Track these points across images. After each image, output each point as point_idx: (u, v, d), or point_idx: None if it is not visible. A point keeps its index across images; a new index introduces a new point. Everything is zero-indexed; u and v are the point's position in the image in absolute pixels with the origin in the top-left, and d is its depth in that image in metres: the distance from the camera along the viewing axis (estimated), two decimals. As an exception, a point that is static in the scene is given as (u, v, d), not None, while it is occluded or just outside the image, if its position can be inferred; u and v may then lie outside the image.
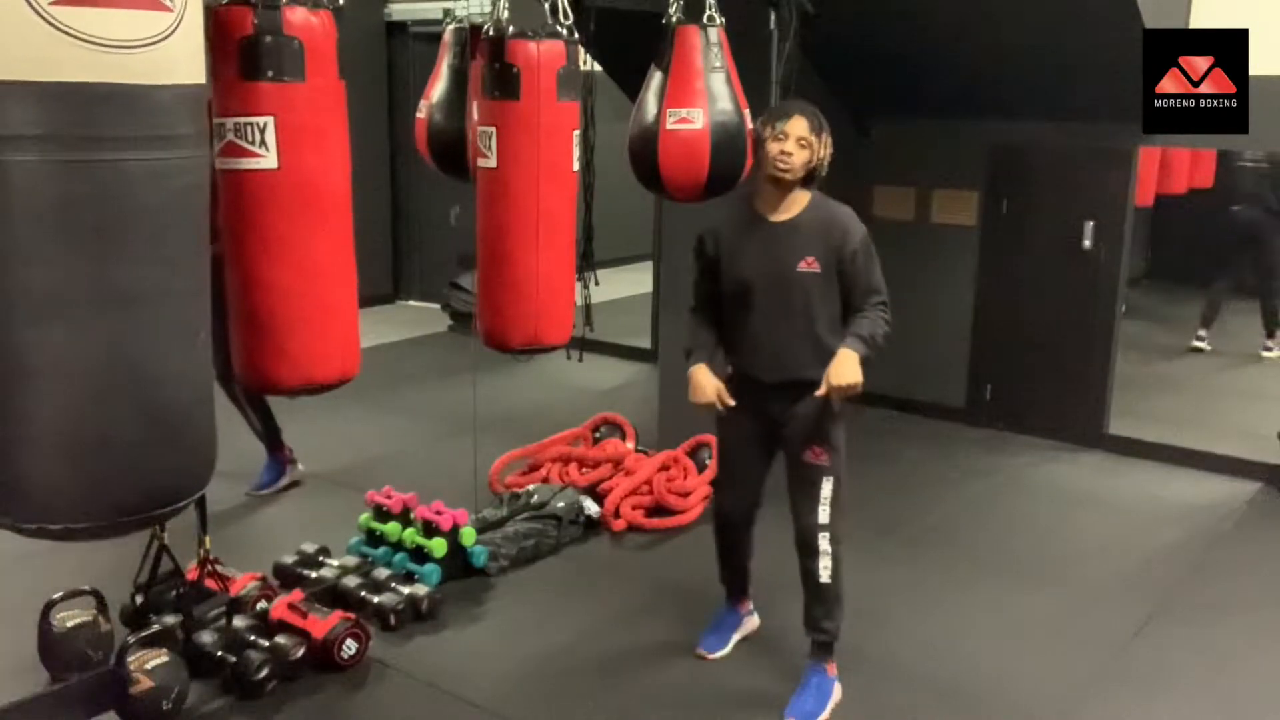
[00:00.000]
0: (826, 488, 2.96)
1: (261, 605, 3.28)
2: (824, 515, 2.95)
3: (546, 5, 3.10)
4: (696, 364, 2.97)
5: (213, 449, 2.07)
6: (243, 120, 2.29)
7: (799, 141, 2.83)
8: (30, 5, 1.63)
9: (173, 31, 1.78)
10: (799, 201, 2.92)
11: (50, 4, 1.64)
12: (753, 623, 3.37)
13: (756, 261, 2.90)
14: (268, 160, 2.30)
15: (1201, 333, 7.12)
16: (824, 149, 2.88)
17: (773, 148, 2.84)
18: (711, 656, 3.23)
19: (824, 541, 2.95)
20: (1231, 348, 7.08)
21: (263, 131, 2.29)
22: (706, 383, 2.93)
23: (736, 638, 3.31)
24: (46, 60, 1.66)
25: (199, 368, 1.98)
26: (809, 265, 2.88)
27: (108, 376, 1.80)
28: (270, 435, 4.45)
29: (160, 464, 1.89)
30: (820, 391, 2.80)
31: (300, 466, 4.58)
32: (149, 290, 1.82)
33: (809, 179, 2.92)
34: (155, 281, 1.83)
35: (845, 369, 2.78)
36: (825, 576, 2.96)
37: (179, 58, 1.81)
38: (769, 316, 2.91)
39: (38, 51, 1.65)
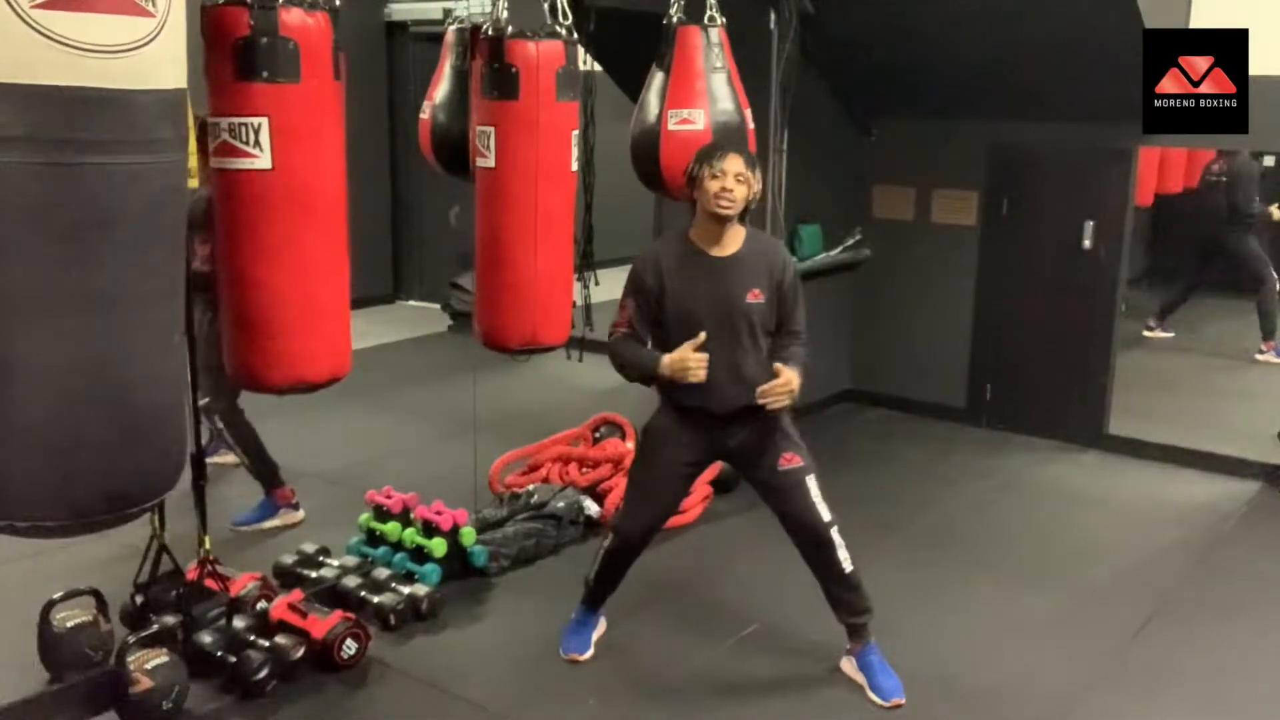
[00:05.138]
0: (813, 485, 3.04)
1: (261, 605, 3.27)
2: (824, 511, 3.03)
3: (546, 5, 3.10)
4: (656, 358, 2.93)
5: (183, 450, 2.07)
6: (237, 120, 2.29)
7: (737, 177, 2.87)
8: (12, 9, 1.63)
9: (155, 37, 1.78)
10: (737, 236, 2.99)
11: (32, 7, 1.64)
12: (603, 624, 3.41)
13: (705, 296, 2.94)
14: (262, 160, 2.31)
15: (1152, 322, 7.37)
16: (757, 183, 2.95)
17: (712, 185, 2.87)
18: (582, 658, 3.28)
19: (834, 534, 3.03)
20: (1231, 349, 7.08)
21: (257, 132, 2.29)
22: (680, 355, 2.88)
23: (595, 637, 3.35)
24: (27, 63, 1.66)
25: (171, 369, 1.98)
26: (755, 297, 2.95)
27: (82, 377, 1.81)
28: (265, 474, 4.20)
29: (131, 464, 1.89)
30: (765, 398, 2.86)
31: (300, 514, 4.27)
32: (125, 292, 1.82)
33: (743, 213, 2.97)
34: (132, 283, 1.83)
35: (796, 385, 2.87)
36: (848, 565, 3.06)
37: (160, 62, 1.81)
38: (718, 348, 2.92)
39: (19, 54, 1.65)
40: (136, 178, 1.80)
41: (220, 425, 4.00)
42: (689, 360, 2.86)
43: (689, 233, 3.01)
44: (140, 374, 1.88)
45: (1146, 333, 7.33)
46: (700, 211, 2.95)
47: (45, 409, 1.79)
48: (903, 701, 3.04)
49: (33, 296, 1.75)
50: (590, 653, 3.30)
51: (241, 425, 4.07)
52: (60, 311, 1.77)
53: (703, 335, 2.87)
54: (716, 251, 2.96)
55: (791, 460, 3.03)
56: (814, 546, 3.05)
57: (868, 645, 3.14)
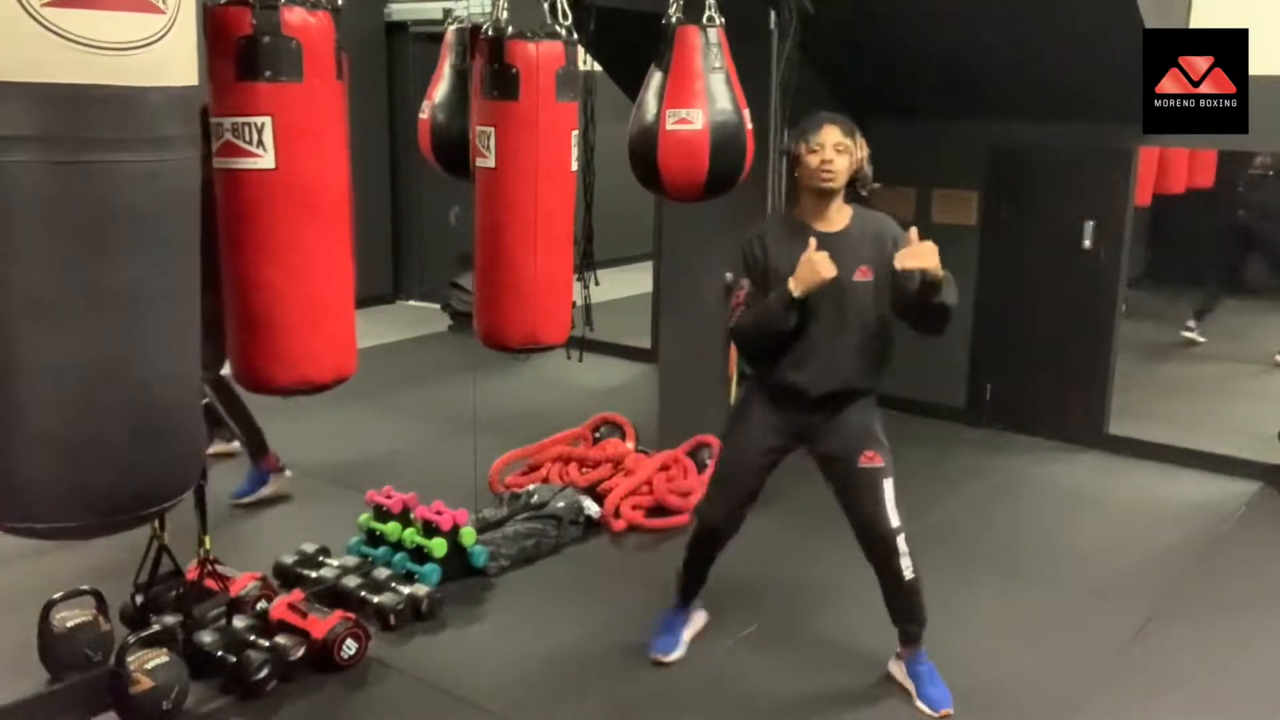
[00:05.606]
0: (888, 489, 2.97)
1: (261, 605, 3.28)
2: (894, 517, 2.96)
3: (546, 5, 3.10)
4: (783, 289, 2.78)
5: (199, 449, 2.07)
6: (240, 120, 2.29)
7: (836, 148, 2.82)
8: (22, 6, 1.62)
9: (165, 33, 1.78)
10: (844, 212, 2.93)
11: (42, 5, 1.64)
12: (701, 618, 3.37)
13: None
14: (265, 160, 2.30)
15: (1191, 323, 7.22)
16: (860, 150, 2.88)
17: (812, 160, 2.83)
18: (668, 659, 3.24)
19: (900, 541, 2.98)
20: (1231, 348, 7.08)
21: (260, 131, 2.28)
22: (803, 261, 2.75)
23: (688, 636, 3.31)
24: (38, 62, 1.65)
25: (187, 369, 1.98)
26: (863, 275, 2.88)
27: (95, 376, 1.80)
28: (255, 441, 4.34)
29: (147, 464, 1.89)
30: (905, 260, 2.74)
31: (288, 474, 4.45)
32: (138, 291, 1.82)
33: (852, 186, 2.91)
34: (145, 283, 1.82)
35: (934, 250, 2.73)
36: (909, 574, 3.01)
37: (171, 60, 1.81)
38: (821, 328, 2.86)
39: (29, 53, 1.65)
40: (149, 176, 1.80)
41: (209, 392, 4.02)
42: (812, 258, 2.74)
43: (794, 211, 2.95)
44: (156, 373, 1.87)
45: (1185, 333, 7.20)
46: (803, 189, 2.90)
47: (60, 409, 1.79)
48: (951, 711, 3.01)
49: (46, 297, 1.74)
50: (679, 654, 3.25)
51: (229, 391, 4.10)
52: (73, 311, 1.76)
53: (813, 241, 2.77)
54: (823, 227, 2.89)
55: (873, 459, 2.96)
56: (878, 550, 2.99)
57: (918, 653, 3.10)
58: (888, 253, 2.86)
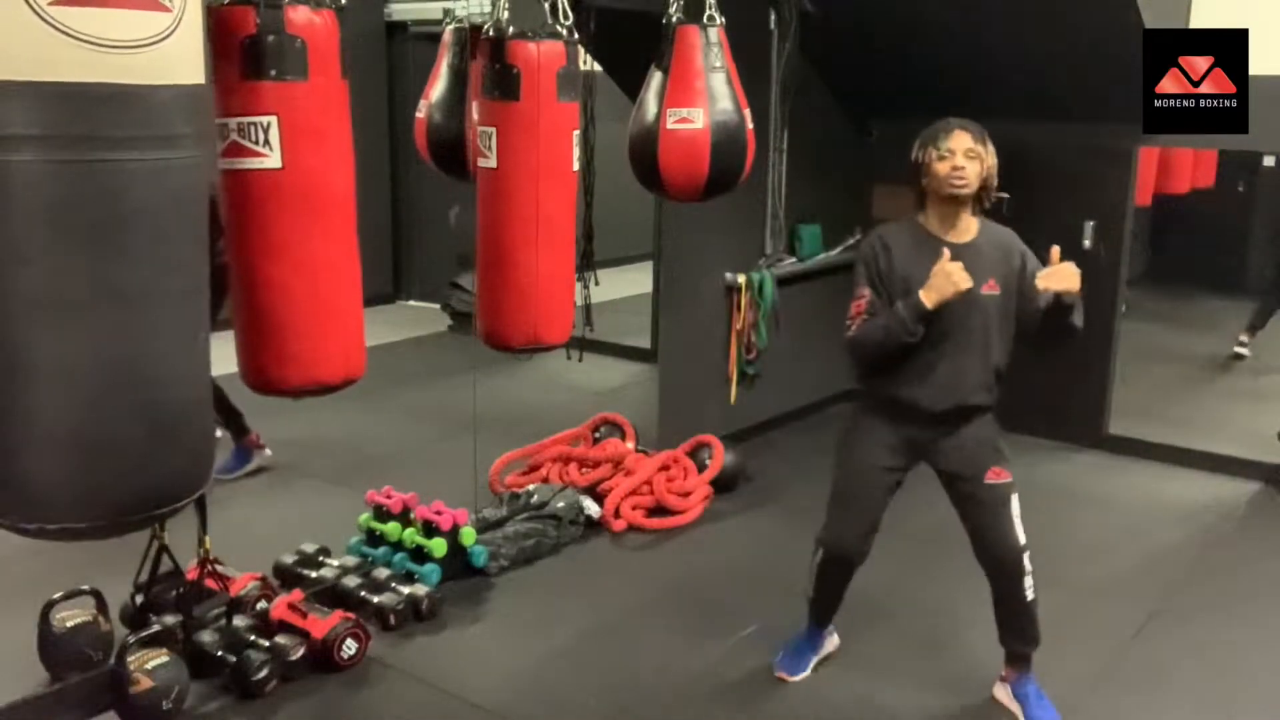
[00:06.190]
0: (1015, 505, 2.89)
1: (261, 605, 3.28)
2: (1021, 534, 2.88)
3: (546, 5, 3.10)
4: (914, 299, 2.69)
5: (211, 448, 2.07)
6: (246, 120, 2.28)
7: (967, 154, 2.74)
8: (29, 5, 1.62)
9: (172, 31, 1.78)
10: (972, 224, 2.85)
11: (49, 4, 1.63)
12: (833, 642, 3.29)
13: None
14: (271, 160, 2.29)
15: (1244, 337, 7.01)
16: (990, 157, 2.78)
17: (942, 167, 2.74)
18: (792, 679, 3.18)
19: (1025, 560, 2.89)
20: (1231, 349, 7.08)
21: (266, 131, 2.28)
22: (936, 272, 2.66)
23: (815, 660, 3.24)
24: (45, 60, 1.65)
25: (198, 367, 1.97)
26: (991, 288, 2.79)
27: (106, 376, 1.79)
28: (235, 423, 4.42)
29: (159, 464, 1.88)
30: (1048, 280, 2.70)
31: (268, 452, 4.59)
32: (148, 290, 1.81)
33: (981, 194, 2.82)
34: (154, 281, 1.82)
35: (1074, 274, 2.69)
36: (1030, 594, 2.92)
37: (178, 58, 1.81)
38: (945, 341, 2.77)
39: (36, 51, 1.64)
40: (158, 174, 1.80)
41: None
42: (947, 269, 2.65)
43: (920, 219, 2.85)
44: (166, 371, 1.87)
45: (1238, 348, 6.98)
46: (931, 197, 2.80)
47: (70, 410, 1.79)
48: None
49: (55, 296, 1.74)
50: (804, 675, 3.19)
51: None
52: (83, 311, 1.76)
53: (947, 252, 2.69)
54: (952, 237, 2.80)
55: (1000, 475, 2.88)
56: (1005, 569, 2.90)
57: (1026, 675, 3.03)
58: (1014, 267, 2.83)
